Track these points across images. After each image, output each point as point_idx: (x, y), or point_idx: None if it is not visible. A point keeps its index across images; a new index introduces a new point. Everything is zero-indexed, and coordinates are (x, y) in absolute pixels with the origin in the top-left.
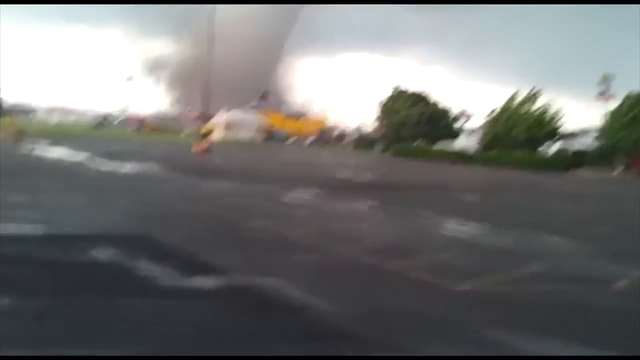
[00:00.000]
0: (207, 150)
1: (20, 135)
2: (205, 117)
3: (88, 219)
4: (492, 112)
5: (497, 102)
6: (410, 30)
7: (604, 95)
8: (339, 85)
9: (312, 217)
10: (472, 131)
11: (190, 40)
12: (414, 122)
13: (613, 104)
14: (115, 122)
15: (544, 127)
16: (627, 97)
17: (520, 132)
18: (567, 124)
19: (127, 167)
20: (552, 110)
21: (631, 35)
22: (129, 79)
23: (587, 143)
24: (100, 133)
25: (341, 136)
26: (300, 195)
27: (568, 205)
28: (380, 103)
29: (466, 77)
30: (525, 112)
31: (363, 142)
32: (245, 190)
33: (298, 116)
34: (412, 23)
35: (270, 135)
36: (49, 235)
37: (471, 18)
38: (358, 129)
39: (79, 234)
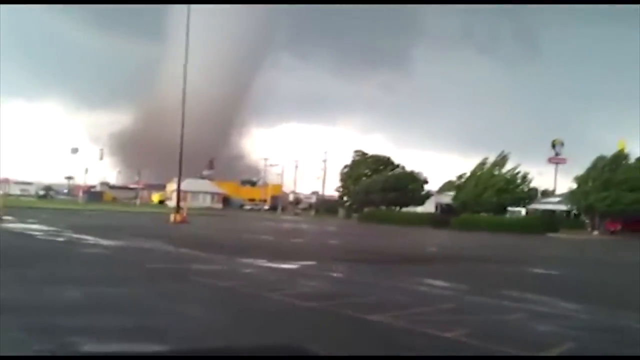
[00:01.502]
0: (184, 220)
1: None
2: (155, 187)
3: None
4: (461, 176)
5: (438, 169)
6: (347, 100)
7: (555, 158)
8: (286, 154)
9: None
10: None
11: (136, 111)
12: (378, 187)
13: (564, 167)
14: (65, 191)
15: (513, 190)
16: (599, 160)
17: (490, 196)
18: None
19: (136, 244)
20: (519, 175)
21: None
22: (74, 150)
23: (551, 206)
24: (57, 205)
25: (297, 201)
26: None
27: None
28: (342, 168)
29: (404, 144)
30: (495, 177)
31: (325, 208)
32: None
33: (253, 183)
34: (348, 93)
35: (227, 203)
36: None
37: (404, 85)
38: (312, 195)
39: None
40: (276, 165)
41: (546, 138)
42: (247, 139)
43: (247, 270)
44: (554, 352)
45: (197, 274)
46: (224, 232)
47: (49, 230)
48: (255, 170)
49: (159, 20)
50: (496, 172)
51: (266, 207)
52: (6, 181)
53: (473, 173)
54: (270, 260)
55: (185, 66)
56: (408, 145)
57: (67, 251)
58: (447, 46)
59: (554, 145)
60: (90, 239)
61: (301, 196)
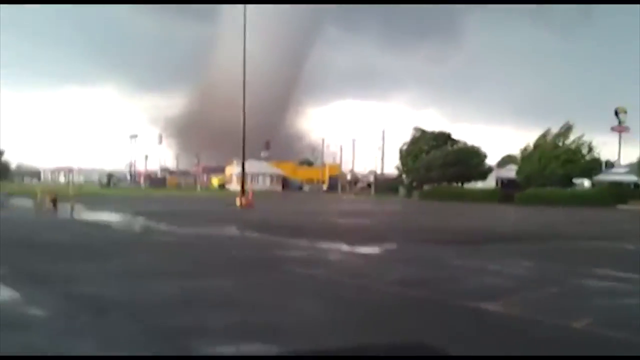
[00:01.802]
0: (251, 203)
1: (57, 200)
2: (212, 170)
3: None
4: (524, 149)
5: (492, 142)
6: (398, 74)
7: (619, 127)
8: (341, 132)
9: None
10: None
11: (191, 94)
12: (439, 163)
13: (626, 137)
14: (128, 178)
15: (579, 162)
16: None
17: (556, 169)
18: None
19: (211, 230)
20: (585, 145)
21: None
22: (133, 136)
23: (617, 177)
24: (123, 192)
25: (355, 181)
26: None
27: None
28: (401, 145)
29: (457, 119)
30: (559, 148)
31: (385, 186)
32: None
33: (310, 163)
34: (399, 66)
35: (285, 184)
36: None
37: (454, 56)
38: (370, 174)
39: None
40: (331, 144)
41: (604, 107)
42: (303, 118)
43: (333, 256)
44: None
45: (285, 261)
46: (292, 215)
47: (121, 219)
48: (312, 150)
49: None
50: (560, 144)
51: (325, 187)
52: (70, 170)
53: (537, 145)
54: (350, 244)
55: (244, 46)
56: (461, 119)
57: (146, 241)
58: (496, 13)
59: (616, 113)
60: (165, 226)
61: (359, 175)
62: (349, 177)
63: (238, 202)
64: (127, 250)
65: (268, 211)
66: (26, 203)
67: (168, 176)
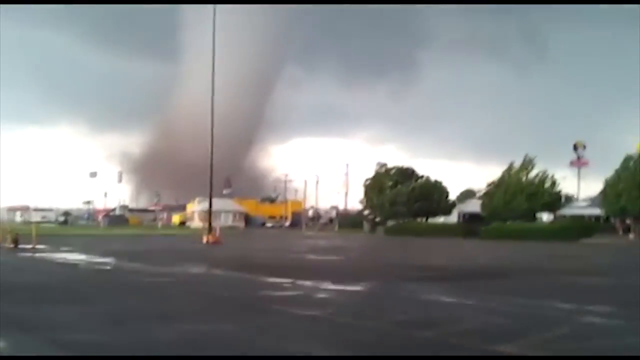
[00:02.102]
0: (218, 240)
1: (18, 240)
2: (172, 208)
3: None
4: (490, 184)
5: (452, 177)
6: (357, 111)
7: (578, 161)
8: (302, 169)
9: None
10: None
11: (150, 132)
12: (404, 199)
13: (585, 170)
14: (86, 216)
15: (543, 196)
16: (626, 160)
17: (520, 203)
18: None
19: (188, 270)
20: (548, 179)
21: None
22: (92, 174)
23: (579, 210)
24: (81, 231)
25: (317, 217)
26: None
27: None
28: (364, 181)
29: (416, 154)
30: (523, 182)
31: (348, 222)
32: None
33: (272, 200)
34: (357, 103)
35: (248, 221)
36: None
37: (412, 93)
38: (332, 209)
39: None
40: (293, 180)
41: (561, 142)
42: (264, 155)
43: (322, 295)
44: None
45: (275, 301)
46: (262, 252)
47: (89, 259)
48: (274, 187)
49: (170, 39)
50: (523, 178)
51: (287, 224)
52: (26, 208)
53: (501, 179)
54: (335, 282)
55: (212, 81)
56: (420, 154)
57: (124, 282)
58: (453, 50)
59: (575, 148)
60: (138, 266)
61: (321, 211)
62: (310, 213)
63: (205, 239)
64: (109, 292)
65: (237, 248)
66: None
67: (127, 214)
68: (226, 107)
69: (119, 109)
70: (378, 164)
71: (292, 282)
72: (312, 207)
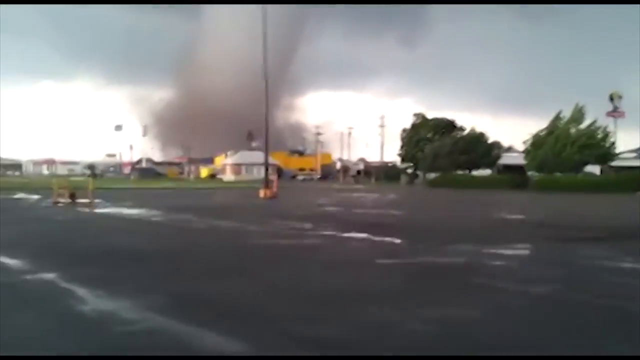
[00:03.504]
0: (275, 195)
1: (75, 194)
2: (198, 161)
3: None
4: (536, 135)
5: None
6: (370, 62)
7: (615, 112)
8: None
9: None
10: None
11: (174, 86)
12: (447, 151)
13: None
14: (111, 170)
15: (595, 147)
16: None
17: (572, 154)
18: None
19: (296, 230)
20: (600, 130)
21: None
22: (118, 127)
23: (624, 162)
24: (118, 184)
25: (345, 169)
26: None
27: None
28: (402, 132)
29: (433, 107)
30: (575, 133)
31: (385, 174)
32: None
33: (300, 153)
34: (369, 53)
35: (280, 174)
36: None
37: (422, 40)
38: (359, 162)
39: None
40: (324, 133)
41: (587, 94)
42: (286, 109)
43: (497, 263)
44: None
45: (462, 273)
46: (332, 207)
47: (166, 215)
48: (302, 140)
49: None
50: (573, 129)
51: (317, 176)
52: (52, 162)
53: (550, 130)
54: (485, 245)
55: (264, 36)
56: (437, 107)
57: (242, 244)
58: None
59: (611, 99)
60: (227, 224)
61: (348, 164)
62: (338, 165)
63: (262, 194)
64: (247, 258)
65: (300, 204)
66: (33, 197)
67: (157, 167)
68: (245, 63)
69: (143, 62)
70: (415, 114)
71: (432, 247)
72: (339, 159)
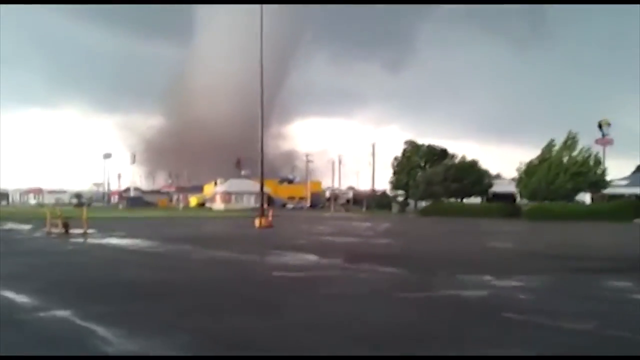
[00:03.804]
0: (270, 224)
1: (69, 224)
2: (186, 190)
3: None
4: (529, 162)
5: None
6: (361, 93)
7: (603, 140)
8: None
9: None
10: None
11: (163, 114)
12: (440, 178)
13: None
14: (96, 199)
15: (588, 175)
16: None
17: (564, 182)
18: None
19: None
20: (592, 157)
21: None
22: (107, 155)
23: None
24: (107, 214)
25: (335, 197)
26: None
27: None
28: (394, 159)
29: (419, 134)
30: (568, 160)
31: (376, 203)
32: None
33: (290, 181)
34: (357, 79)
35: (270, 202)
36: None
37: (410, 65)
38: (349, 190)
39: None
40: (313, 161)
41: (568, 121)
42: (275, 137)
43: (522, 296)
44: None
45: (489, 307)
46: (333, 237)
47: (162, 246)
48: (291, 168)
49: (184, 21)
50: (566, 157)
51: (307, 205)
52: (39, 191)
53: (542, 157)
54: (499, 276)
55: (261, 62)
56: (423, 134)
57: (256, 278)
58: (451, 26)
59: (600, 127)
60: (230, 255)
61: (337, 192)
62: (327, 194)
63: (257, 223)
64: (266, 293)
65: (298, 233)
66: (24, 227)
67: (145, 196)
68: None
69: (131, 90)
70: (406, 142)
71: (441, 277)
72: (328, 188)
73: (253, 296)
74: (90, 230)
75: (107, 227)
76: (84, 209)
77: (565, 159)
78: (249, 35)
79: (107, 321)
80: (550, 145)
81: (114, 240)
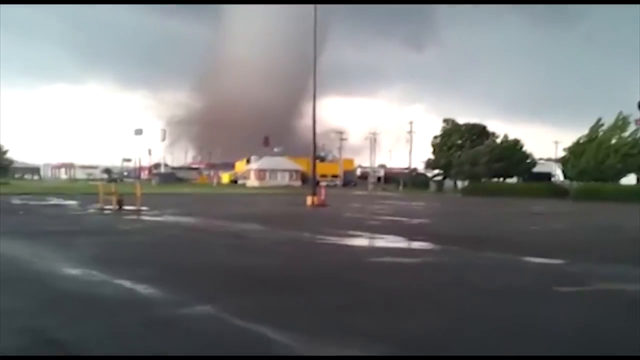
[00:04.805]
0: (324, 203)
1: (122, 201)
2: (217, 166)
3: None
4: (577, 142)
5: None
6: (386, 71)
7: None
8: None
9: None
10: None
11: (192, 91)
12: (484, 158)
13: None
14: (125, 173)
15: (638, 156)
16: None
17: (615, 163)
18: None
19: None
20: None
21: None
22: (138, 132)
23: None
24: (148, 190)
25: (365, 176)
26: None
27: None
28: (433, 138)
29: (445, 113)
30: (619, 141)
31: (413, 181)
32: None
33: (322, 158)
34: (386, 64)
35: (304, 180)
36: None
37: (431, 43)
38: (381, 168)
39: None
40: (347, 139)
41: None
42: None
43: None
44: None
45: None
46: (402, 217)
47: (230, 224)
48: (322, 145)
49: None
50: (615, 137)
51: (339, 182)
52: (71, 165)
53: (590, 137)
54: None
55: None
56: (449, 114)
57: (362, 263)
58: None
59: None
60: (309, 235)
61: (368, 170)
62: (358, 172)
63: (309, 202)
64: (399, 283)
65: (356, 212)
66: (71, 203)
67: (177, 172)
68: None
69: (161, 67)
70: (445, 120)
71: (580, 266)
72: (359, 166)
73: (390, 288)
74: (143, 208)
75: (154, 203)
76: (137, 186)
77: (614, 140)
78: (278, 13)
79: (266, 319)
80: (597, 125)
81: (174, 218)
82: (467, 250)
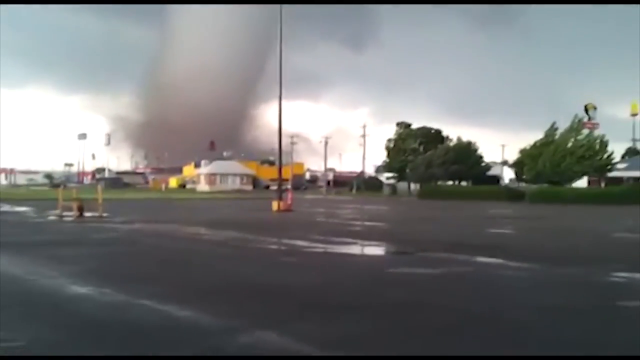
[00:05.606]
0: (290, 208)
1: (83, 207)
2: (163, 171)
3: None
4: (534, 145)
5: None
6: (330, 74)
7: (589, 123)
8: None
9: None
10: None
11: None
12: (439, 161)
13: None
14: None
15: (594, 158)
16: None
17: (571, 165)
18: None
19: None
20: (598, 140)
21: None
22: (81, 136)
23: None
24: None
25: (314, 180)
26: None
27: None
28: (387, 142)
29: (388, 119)
30: (575, 144)
31: (368, 184)
32: None
33: (271, 162)
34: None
35: (255, 184)
36: None
37: (371, 43)
38: (330, 172)
39: None
40: (296, 143)
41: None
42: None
43: None
44: None
45: None
46: (376, 222)
47: (210, 232)
48: (270, 149)
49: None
50: (571, 140)
51: (289, 186)
52: (11, 171)
53: (547, 140)
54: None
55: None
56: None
57: (372, 274)
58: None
59: (586, 110)
60: (300, 243)
61: (317, 174)
62: (307, 176)
63: (275, 206)
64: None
65: (330, 217)
66: (24, 210)
67: (124, 177)
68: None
69: (105, 70)
70: (398, 124)
71: (590, 271)
72: (307, 170)
73: (434, 306)
74: (105, 214)
75: (113, 210)
76: (99, 190)
77: (570, 143)
78: (225, 19)
79: (350, 348)
80: (553, 129)
81: (147, 226)
82: (471, 257)
